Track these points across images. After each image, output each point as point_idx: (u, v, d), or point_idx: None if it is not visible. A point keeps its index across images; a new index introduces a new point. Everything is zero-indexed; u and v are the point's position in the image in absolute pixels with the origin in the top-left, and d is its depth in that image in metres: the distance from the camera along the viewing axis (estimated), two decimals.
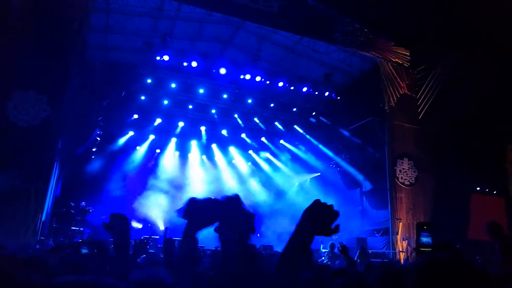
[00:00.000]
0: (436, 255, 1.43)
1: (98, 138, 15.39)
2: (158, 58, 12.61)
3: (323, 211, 1.59)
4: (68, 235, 11.79)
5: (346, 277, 2.61)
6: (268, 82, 14.24)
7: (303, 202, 13.41)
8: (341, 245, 5.05)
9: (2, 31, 8.54)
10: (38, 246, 8.01)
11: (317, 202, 1.61)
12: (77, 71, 10.01)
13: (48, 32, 8.77)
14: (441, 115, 12.33)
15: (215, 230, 1.74)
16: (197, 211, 1.66)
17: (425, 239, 9.95)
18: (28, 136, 8.57)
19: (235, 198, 1.65)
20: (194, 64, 13.10)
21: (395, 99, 12.80)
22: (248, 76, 13.84)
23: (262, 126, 17.88)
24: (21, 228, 8.20)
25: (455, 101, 11.69)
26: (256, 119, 17.64)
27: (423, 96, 12.96)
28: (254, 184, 18.91)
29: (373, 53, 12.58)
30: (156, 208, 16.50)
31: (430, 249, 9.39)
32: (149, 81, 14.50)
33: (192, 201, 1.66)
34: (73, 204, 13.00)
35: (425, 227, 10.11)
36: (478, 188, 13.55)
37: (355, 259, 8.40)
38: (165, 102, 15.83)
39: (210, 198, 1.72)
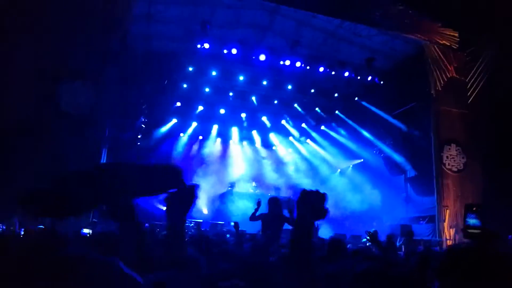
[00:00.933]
0: (461, 244, 1.42)
1: (143, 125, 15.92)
2: (198, 46, 12.78)
3: (312, 197, 1.64)
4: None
5: (370, 262, 2.55)
6: (308, 67, 14.06)
7: (345, 189, 13.32)
8: (368, 233, 4.79)
9: (46, 23, 8.90)
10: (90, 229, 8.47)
11: (304, 191, 1.66)
12: (121, 60, 10.33)
13: (91, 23, 9.07)
14: (492, 99, 11.68)
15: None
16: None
17: (472, 221, 9.59)
18: (77, 124, 8.98)
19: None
20: (234, 51, 13.16)
21: (442, 83, 12.25)
22: (287, 62, 13.73)
23: (302, 112, 17.75)
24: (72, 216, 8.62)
25: (506, 84, 11.01)
26: (296, 105, 17.53)
27: (472, 80, 12.31)
28: (296, 171, 18.90)
29: (418, 35, 12.05)
30: (200, 193, 16.90)
31: (478, 231, 9.03)
32: (190, 69, 14.77)
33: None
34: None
35: (474, 209, 9.74)
36: None
37: (399, 246, 8.24)
38: (206, 89, 16.08)
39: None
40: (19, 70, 8.58)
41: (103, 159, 11.79)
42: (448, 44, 12.32)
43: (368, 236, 4.77)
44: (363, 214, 14.47)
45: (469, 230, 9.28)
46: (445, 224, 11.46)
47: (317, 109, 17.55)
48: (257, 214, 6.99)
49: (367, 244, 10.53)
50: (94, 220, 10.13)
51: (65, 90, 9.01)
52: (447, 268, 1.37)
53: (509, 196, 11.37)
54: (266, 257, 3.77)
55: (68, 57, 8.94)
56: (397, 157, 14.77)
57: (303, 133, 18.88)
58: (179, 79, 15.31)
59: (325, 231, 12.22)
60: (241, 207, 14.02)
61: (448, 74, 12.36)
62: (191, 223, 13.09)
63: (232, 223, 6.39)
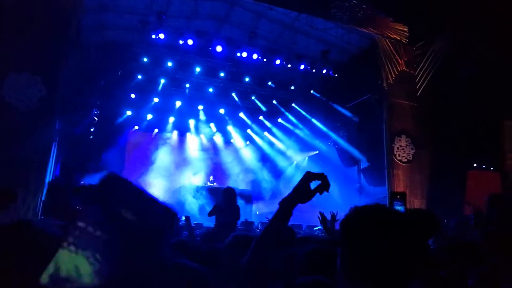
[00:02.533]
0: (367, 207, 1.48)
1: (96, 118, 15.35)
2: (153, 36, 12.45)
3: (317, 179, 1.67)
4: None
5: (314, 244, 2.60)
6: (265, 60, 14.10)
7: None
8: (320, 214, 4.71)
9: None
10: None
11: (309, 173, 1.69)
12: (72, 51, 9.89)
13: (41, 11, 8.64)
14: (439, 92, 12.31)
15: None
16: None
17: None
18: (25, 117, 8.55)
19: None
20: (190, 42, 12.95)
21: (394, 76, 12.74)
22: (244, 54, 13.70)
23: (260, 104, 17.82)
24: (21, 209, 8.26)
25: (453, 78, 11.64)
26: (253, 98, 17.57)
27: (421, 73, 12.90)
28: (252, 163, 19.00)
29: (371, 29, 12.44)
30: (155, 188, 16.63)
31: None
32: (145, 60, 14.35)
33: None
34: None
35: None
36: (474, 165, 13.65)
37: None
38: (162, 81, 15.70)
39: None
40: None
41: (53, 153, 11.26)
42: (399, 38, 12.81)
43: (320, 217, 4.68)
44: (320, 205, 14.79)
45: None
46: None
47: (274, 101, 17.68)
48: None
49: (317, 231, 10.86)
50: (42, 217, 9.70)
51: (12, 83, 8.53)
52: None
53: (455, 184, 12.12)
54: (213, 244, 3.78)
55: (15, 49, 8.45)
56: (351, 149, 15.22)
57: (261, 125, 18.97)
58: (133, 70, 14.85)
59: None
60: (198, 200, 13.94)
61: (399, 68, 12.87)
62: None
63: (184, 217, 6.30)
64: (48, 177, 11.28)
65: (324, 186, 1.67)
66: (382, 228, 1.33)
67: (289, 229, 4.54)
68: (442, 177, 12.25)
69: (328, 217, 4.71)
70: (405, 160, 12.61)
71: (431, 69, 12.71)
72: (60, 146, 12.87)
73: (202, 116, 18.05)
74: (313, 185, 1.73)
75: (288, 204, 1.69)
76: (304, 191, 1.68)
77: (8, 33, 8.43)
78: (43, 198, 9.53)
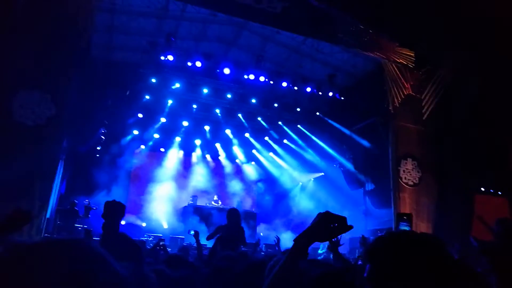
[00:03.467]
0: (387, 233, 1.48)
1: (103, 137, 15.48)
2: (162, 58, 12.65)
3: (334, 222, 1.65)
4: (72, 233, 11.89)
5: (323, 269, 2.55)
6: (272, 82, 14.24)
7: (306, 202, 13.50)
8: (330, 242, 4.51)
9: (5, 31, 8.59)
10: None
11: (328, 214, 1.67)
12: (81, 70, 10.06)
13: (52, 32, 8.83)
14: (445, 115, 12.31)
15: None
16: None
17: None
18: (33, 135, 8.62)
19: None
20: (198, 64, 13.13)
21: (400, 99, 12.78)
22: (252, 76, 13.85)
23: (266, 125, 17.92)
24: (25, 227, 8.25)
25: (459, 102, 11.67)
26: (260, 119, 17.68)
27: (427, 97, 12.94)
28: (258, 184, 18.97)
29: (377, 53, 12.56)
30: (160, 207, 16.60)
31: None
32: (153, 80, 14.55)
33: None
34: (76, 202, 13.09)
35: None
36: (482, 189, 13.51)
37: (357, 257, 8.40)
38: (170, 101, 15.88)
39: None
40: None
41: (59, 171, 11.32)
42: (405, 63, 12.91)
43: (329, 244, 4.56)
44: None
45: None
46: None
47: (280, 122, 17.77)
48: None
49: (324, 255, 10.71)
50: (46, 235, 9.68)
51: (22, 101, 8.66)
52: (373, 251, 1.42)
53: (462, 208, 11.99)
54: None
55: (25, 67, 8.62)
56: (357, 171, 15.17)
57: (266, 146, 19.02)
58: (141, 91, 15.04)
59: (289, 245, 12.32)
60: (203, 221, 13.86)
61: (405, 91, 12.92)
62: (150, 237, 12.78)
63: (192, 232, 6.17)
64: (54, 195, 11.33)
65: (343, 229, 1.66)
66: (419, 253, 1.33)
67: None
68: (448, 200, 12.12)
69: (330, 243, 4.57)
70: (411, 183, 12.51)
71: (437, 93, 12.76)
72: (66, 164, 12.97)
73: (208, 136, 18.16)
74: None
75: (304, 243, 1.66)
76: (322, 231, 1.66)
77: (19, 50, 8.59)
78: (47, 216, 9.54)
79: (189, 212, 14.84)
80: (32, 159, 8.41)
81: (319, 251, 12.01)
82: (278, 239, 6.77)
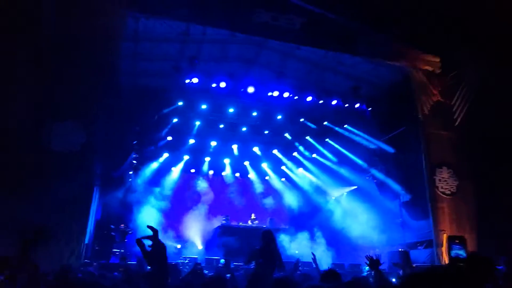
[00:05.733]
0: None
1: (134, 161, 15.84)
2: (187, 81, 12.90)
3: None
4: (110, 257, 12.10)
5: None
6: (296, 97, 14.21)
7: (341, 217, 13.19)
8: (368, 258, 4.33)
9: (38, 64, 9.03)
10: (82, 269, 8.25)
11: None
12: (110, 97, 10.39)
13: (81, 62, 9.20)
14: (478, 120, 11.85)
15: None
16: None
17: (459, 252, 9.51)
18: (68, 163, 8.93)
19: None
20: (222, 84, 13.30)
21: (429, 107, 12.45)
22: (276, 93, 13.88)
23: (293, 141, 17.85)
24: (65, 252, 8.47)
25: (492, 105, 11.23)
26: (287, 135, 17.64)
27: (458, 102, 12.54)
28: (289, 200, 18.79)
29: (402, 62, 12.36)
30: (194, 228, 16.68)
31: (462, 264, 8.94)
32: (180, 103, 14.89)
33: None
34: (113, 227, 13.34)
35: (456, 241, 9.68)
36: None
37: (401, 274, 8.07)
38: (197, 123, 16.15)
39: None
40: (12, 112, 8.65)
41: (95, 197, 11.63)
42: (431, 69, 12.61)
43: (368, 261, 4.32)
44: (361, 241, 14.29)
45: (458, 263, 9.19)
46: (443, 248, 11.32)
47: (307, 137, 17.65)
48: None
49: (366, 273, 10.37)
50: (86, 261, 9.89)
51: (56, 131, 9.03)
52: None
53: (507, 217, 11.38)
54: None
55: (58, 97, 9.00)
56: (391, 182, 14.77)
57: (295, 162, 18.90)
58: (169, 114, 15.38)
59: (324, 262, 12.04)
60: (237, 240, 13.79)
61: (433, 98, 12.59)
62: (186, 260, 12.82)
63: (222, 261, 6.18)
64: (91, 221, 11.61)
65: None
66: None
67: (331, 271, 4.23)
68: (491, 209, 11.55)
69: (367, 260, 4.37)
70: (449, 192, 12.05)
71: (468, 97, 12.34)
72: (102, 190, 13.31)
73: (236, 155, 18.25)
74: None
75: None
76: None
77: (50, 81, 8.98)
78: (85, 242, 9.77)
79: (223, 231, 14.82)
80: (69, 186, 8.71)
81: (363, 268, 11.66)
82: (314, 256, 6.62)
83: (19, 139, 8.62)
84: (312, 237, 15.98)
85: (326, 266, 10.05)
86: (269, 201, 18.50)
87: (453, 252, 9.56)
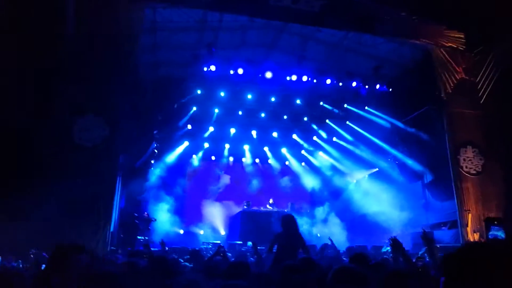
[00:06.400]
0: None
1: (156, 151, 16.06)
2: (205, 69, 12.91)
3: None
4: (135, 245, 12.40)
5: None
6: (315, 81, 14.07)
7: (363, 199, 13.11)
8: (392, 240, 4.36)
9: (58, 58, 9.19)
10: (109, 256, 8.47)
11: None
12: (130, 89, 10.52)
13: (101, 57, 9.33)
14: (505, 97, 11.48)
15: None
16: None
17: (496, 233, 9.30)
18: (91, 156, 9.14)
19: None
20: (240, 71, 13.26)
21: (452, 85, 12.11)
22: (294, 77, 13.76)
23: (313, 125, 17.72)
24: (92, 241, 8.71)
25: None
26: (306, 119, 17.52)
27: (483, 80, 12.14)
28: (310, 184, 18.77)
29: (424, 40, 12.01)
30: (216, 214, 16.91)
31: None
32: (199, 92, 14.93)
33: None
34: (136, 215, 13.64)
35: (495, 222, 9.45)
36: None
37: (422, 254, 8.01)
38: (216, 110, 16.19)
39: None
40: (38, 110, 8.91)
41: (118, 187, 11.88)
42: (455, 46, 12.22)
43: (391, 242, 4.35)
44: (383, 223, 14.21)
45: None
46: (468, 229, 11.15)
47: (327, 120, 17.49)
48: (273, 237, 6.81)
49: (389, 255, 10.32)
50: (112, 248, 10.16)
51: (79, 125, 9.25)
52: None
53: None
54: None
55: (80, 91, 9.19)
56: (413, 163, 14.55)
57: (315, 146, 18.80)
58: (188, 103, 15.47)
59: (343, 244, 12.03)
60: (259, 225, 13.91)
61: (457, 76, 12.23)
62: (209, 245, 13.02)
63: (250, 243, 6.25)
64: (116, 210, 11.89)
65: None
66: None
67: (361, 254, 4.30)
68: None
69: (390, 242, 4.42)
70: (474, 171, 11.79)
71: (494, 74, 11.93)
72: (124, 179, 13.57)
73: (256, 141, 18.26)
74: None
75: None
76: None
77: (74, 77, 9.17)
78: (111, 230, 10.03)
79: (244, 217, 14.97)
80: (93, 178, 8.93)
81: (383, 250, 11.64)
82: (331, 241, 6.68)
83: (44, 136, 8.87)
84: (333, 220, 15.98)
85: (344, 248, 10.04)
86: (289, 185, 18.53)
87: (491, 234, 9.34)
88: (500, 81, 11.81)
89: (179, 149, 17.20)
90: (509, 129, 11.50)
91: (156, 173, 16.25)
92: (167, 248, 11.21)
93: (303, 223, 13.69)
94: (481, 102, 12.14)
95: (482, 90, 12.13)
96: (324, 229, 15.35)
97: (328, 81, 14.08)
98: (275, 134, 18.11)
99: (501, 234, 9.24)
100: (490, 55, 11.98)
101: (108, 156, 9.46)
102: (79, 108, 9.29)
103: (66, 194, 8.29)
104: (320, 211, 16.80)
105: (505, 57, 11.56)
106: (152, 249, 10.49)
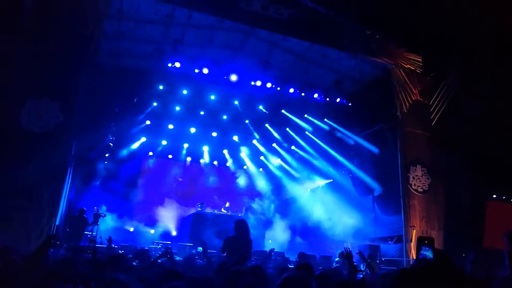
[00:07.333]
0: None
1: (111, 144, 15.57)
2: (169, 64, 12.71)
3: None
4: (81, 239, 11.92)
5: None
6: (278, 88, 14.24)
7: (315, 209, 13.31)
8: (346, 250, 4.86)
9: (14, 39, 8.70)
10: (52, 250, 8.07)
11: None
12: (89, 77, 10.13)
13: (60, 39, 8.91)
14: (454, 121, 12.18)
15: None
16: None
17: (425, 253, 9.80)
18: (41, 142, 8.67)
19: None
20: (205, 70, 13.16)
21: (408, 105, 12.68)
22: (259, 83, 13.85)
23: (273, 132, 17.88)
24: (34, 233, 8.27)
25: (468, 108, 11.54)
26: (267, 125, 17.66)
27: (435, 103, 12.81)
28: (266, 190, 18.89)
29: (384, 59, 12.49)
30: (168, 214, 16.60)
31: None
32: (161, 87, 14.63)
33: None
34: (85, 209, 13.12)
35: (426, 242, 9.99)
36: (494, 196, 13.30)
37: (364, 268, 8.30)
38: (177, 108, 15.95)
39: None
40: None
41: (68, 178, 11.38)
42: (413, 68, 12.82)
43: (344, 253, 4.84)
44: (333, 234, 14.55)
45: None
46: (412, 244, 11.65)
47: (287, 129, 17.72)
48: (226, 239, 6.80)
49: (338, 264, 10.56)
50: (56, 242, 9.69)
51: (30, 109, 8.74)
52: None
53: (473, 215, 11.80)
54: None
55: (33, 75, 8.70)
56: (365, 177, 15.03)
57: (274, 152, 18.97)
58: (149, 97, 15.13)
59: (295, 252, 12.20)
60: (210, 227, 13.80)
61: (413, 97, 12.81)
62: (158, 245, 12.76)
63: (200, 249, 6.22)
64: (63, 202, 11.37)
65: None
66: None
67: (307, 263, 4.51)
68: (459, 207, 11.94)
69: (345, 252, 4.78)
70: (421, 190, 12.36)
71: (446, 98, 12.63)
72: (76, 171, 13.04)
73: (216, 143, 18.16)
74: None
75: None
76: None
77: (28, 58, 8.67)
78: (57, 223, 9.57)
79: (196, 219, 14.81)
80: (41, 167, 8.46)
81: (335, 259, 11.87)
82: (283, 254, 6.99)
83: None
84: (285, 228, 16.17)
85: (296, 256, 10.19)
86: (245, 189, 18.56)
87: (421, 254, 9.82)
88: (450, 105, 12.52)
89: (136, 145, 16.78)
90: (454, 152, 12.19)
91: (108, 167, 15.74)
92: (116, 246, 10.90)
93: (255, 229, 13.74)
94: (432, 124, 12.81)
95: (434, 112, 12.79)
96: (275, 236, 15.50)
97: (291, 90, 14.29)
98: (235, 138, 18.10)
99: (429, 254, 9.72)
100: (443, 80, 12.67)
101: (59, 145, 9.02)
102: (34, 90, 8.80)
103: (9, 182, 7.84)
104: (273, 218, 16.94)
105: (455, 83, 12.27)
106: (98, 245, 10.15)
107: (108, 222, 14.35)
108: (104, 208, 14.21)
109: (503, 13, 9.09)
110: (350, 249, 4.91)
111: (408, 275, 1.45)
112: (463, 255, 6.36)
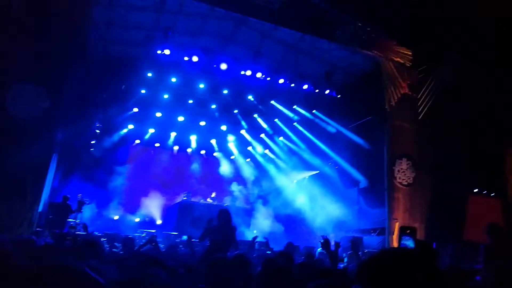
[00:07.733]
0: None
1: (98, 131, 15.37)
2: (159, 52, 12.56)
3: None
4: (64, 227, 11.80)
5: (325, 279, 2.62)
6: (268, 78, 14.20)
7: (301, 200, 13.39)
8: (324, 239, 4.80)
9: (3, 25, 8.48)
10: (34, 237, 7.97)
11: None
12: (78, 63, 9.95)
13: (49, 25, 8.72)
14: (441, 116, 12.31)
15: None
16: None
17: (407, 242, 9.98)
18: (27, 128, 8.51)
19: None
20: (195, 59, 13.05)
21: (396, 98, 12.77)
22: (249, 72, 13.79)
23: (262, 122, 17.88)
24: (16, 220, 8.16)
25: (455, 103, 11.67)
26: (256, 116, 17.63)
27: (423, 97, 12.92)
28: (252, 180, 18.94)
29: (375, 51, 12.53)
30: (153, 202, 16.54)
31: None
32: (149, 74, 14.43)
33: None
34: (69, 196, 12.97)
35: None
36: (475, 190, 13.56)
37: (345, 259, 8.43)
38: (165, 96, 15.78)
39: None
40: None
41: (53, 165, 11.22)
42: (402, 61, 12.88)
43: (323, 240, 4.77)
44: (318, 226, 14.69)
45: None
46: (394, 236, 11.82)
47: (276, 120, 17.72)
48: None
49: (320, 256, 10.68)
50: (38, 229, 9.59)
51: (15, 94, 8.56)
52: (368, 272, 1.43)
53: (455, 209, 12.01)
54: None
55: (21, 61, 8.50)
56: (352, 170, 15.16)
57: (262, 143, 19.00)
58: (137, 85, 14.93)
59: (280, 242, 12.29)
60: (195, 217, 13.80)
61: (401, 91, 12.90)
62: (143, 233, 12.72)
63: (185, 237, 6.24)
64: (47, 188, 11.22)
65: None
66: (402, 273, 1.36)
67: (288, 255, 4.58)
68: (442, 201, 12.14)
69: (322, 240, 4.81)
70: (406, 183, 12.52)
71: (433, 93, 12.74)
72: (60, 158, 12.85)
73: (204, 132, 18.08)
74: None
75: None
76: None
77: (14, 43, 8.48)
78: (39, 210, 9.45)
79: (183, 208, 14.78)
80: (25, 152, 8.33)
81: (318, 250, 12.00)
82: (266, 239, 7.13)
83: None
84: (271, 219, 16.26)
85: (281, 247, 10.28)
86: (232, 181, 18.57)
87: (402, 243, 9.99)
88: (437, 101, 12.64)
89: (123, 132, 16.60)
90: (439, 146, 12.35)
91: (95, 154, 15.56)
92: (97, 233, 10.84)
93: (241, 219, 13.78)
94: (419, 118, 12.92)
95: (422, 106, 12.91)
96: (261, 226, 15.58)
97: (281, 81, 14.28)
98: (223, 128, 18.04)
99: (410, 243, 9.92)
100: (432, 75, 12.77)
101: (45, 131, 8.87)
102: (20, 75, 8.60)
103: None
104: (259, 208, 17.01)
105: (443, 78, 12.38)
106: (77, 232, 10.09)
107: (93, 210, 14.23)
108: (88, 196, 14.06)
109: (500, 4, 9.15)
110: (328, 237, 4.88)
111: (375, 263, 1.46)
112: (443, 248, 6.47)
